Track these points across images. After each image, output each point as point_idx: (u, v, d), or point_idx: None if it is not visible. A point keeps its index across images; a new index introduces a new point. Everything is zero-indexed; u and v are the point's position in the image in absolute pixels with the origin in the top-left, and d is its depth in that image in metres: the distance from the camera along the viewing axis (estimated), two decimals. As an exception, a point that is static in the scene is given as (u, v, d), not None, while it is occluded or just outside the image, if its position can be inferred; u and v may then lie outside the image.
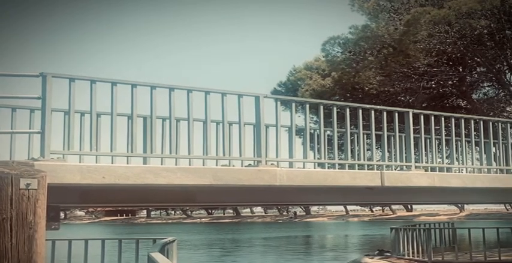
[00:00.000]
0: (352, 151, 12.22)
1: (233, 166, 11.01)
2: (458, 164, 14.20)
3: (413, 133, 12.62)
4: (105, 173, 8.62)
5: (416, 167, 12.60)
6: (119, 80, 9.17)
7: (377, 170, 12.22)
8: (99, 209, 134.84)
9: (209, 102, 9.98)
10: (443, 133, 13.21)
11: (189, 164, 10.18)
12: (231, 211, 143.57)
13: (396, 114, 12.48)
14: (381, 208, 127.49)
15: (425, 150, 13.62)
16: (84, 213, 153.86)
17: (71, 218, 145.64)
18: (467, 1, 26.77)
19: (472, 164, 14.20)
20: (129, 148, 9.56)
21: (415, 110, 13.13)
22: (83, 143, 9.63)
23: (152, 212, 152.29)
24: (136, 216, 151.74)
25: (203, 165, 10.48)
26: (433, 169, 13.39)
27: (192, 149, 9.78)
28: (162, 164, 9.88)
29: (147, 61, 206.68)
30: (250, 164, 10.63)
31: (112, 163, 9.48)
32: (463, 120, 13.75)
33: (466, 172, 14.51)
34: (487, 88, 35.06)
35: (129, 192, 9.94)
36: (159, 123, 10.70)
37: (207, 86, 10.10)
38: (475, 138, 13.98)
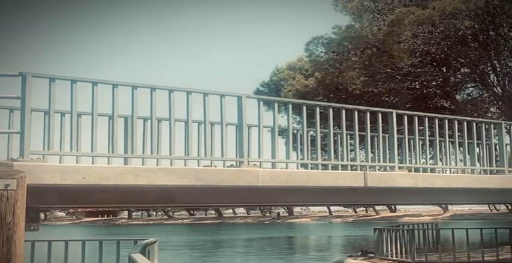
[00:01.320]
0: (335, 152, 12.24)
1: (215, 166, 10.98)
2: (442, 164, 14.26)
3: (397, 134, 12.65)
4: (85, 173, 8.59)
5: (399, 167, 12.63)
6: (100, 80, 9.14)
7: (360, 170, 12.26)
8: (79, 210, 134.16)
9: (191, 102, 9.97)
10: (427, 133, 13.29)
11: (171, 165, 10.17)
12: (213, 212, 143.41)
13: (380, 114, 12.51)
14: (364, 208, 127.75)
15: (409, 151, 13.66)
16: (64, 214, 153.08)
17: (51, 219, 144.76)
18: (452, 1, 26.90)
19: (456, 164, 14.22)
20: (109, 149, 9.53)
21: (399, 111, 13.16)
22: (63, 144, 9.58)
23: (133, 213, 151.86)
24: (118, 217, 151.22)
25: (185, 165, 10.48)
26: (416, 170, 13.43)
27: (174, 150, 9.77)
28: (143, 165, 9.86)
29: (131, 62, 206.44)
30: (232, 165, 10.63)
31: (92, 164, 9.47)
32: (446, 121, 13.82)
33: (450, 173, 14.58)
34: (471, 89, 35.30)
35: (109, 193, 9.90)
36: (140, 124, 10.67)
37: (189, 86, 10.09)
38: (458, 139, 14.02)
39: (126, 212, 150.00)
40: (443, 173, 14.48)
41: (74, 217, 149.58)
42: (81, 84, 8.99)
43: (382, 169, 13.13)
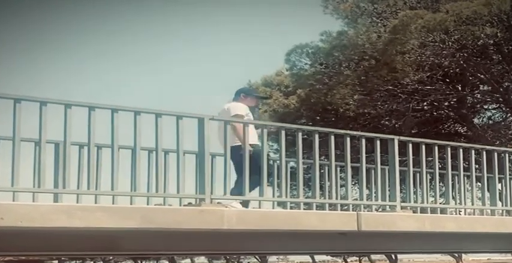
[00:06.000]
0: (321, 187, 12.22)
1: (169, 205, 10.92)
2: (455, 204, 14.30)
3: (400, 166, 12.64)
4: (4, 213, 8.44)
5: (402, 207, 12.62)
6: (24, 96, 8.94)
7: (353, 211, 12.24)
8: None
9: (139, 125, 9.84)
10: (437, 165, 13.26)
11: (113, 203, 10.08)
12: (166, 262, 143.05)
13: (378, 142, 12.49)
14: (357, 258, 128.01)
15: (414, 187, 13.67)
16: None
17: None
18: (470, 4, 27.01)
19: (472, 204, 14.27)
20: (35, 182, 9.41)
21: (402, 137, 13.16)
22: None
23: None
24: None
25: (131, 204, 10.40)
26: (423, 210, 13.44)
27: (117, 184, 9.64)
28: (77, 202, 9.76)
29: (92, 79, 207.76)
30: (190, 203, 10.57)
31: (13, 200, 9.32)
32: (461, 150, 13.83)
33: (465, 214, 14.60)
34: (492, 111, 35.53)
35: (35, 237, 9.78)
36: (75, 151, 10.58)
37: (143, 105, 10.01)
38: (476, 172, 14.07)
39: (55, 262, 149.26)
40: (456, 214, 14.51)
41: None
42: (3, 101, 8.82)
43: (380, 209, 13.12)
